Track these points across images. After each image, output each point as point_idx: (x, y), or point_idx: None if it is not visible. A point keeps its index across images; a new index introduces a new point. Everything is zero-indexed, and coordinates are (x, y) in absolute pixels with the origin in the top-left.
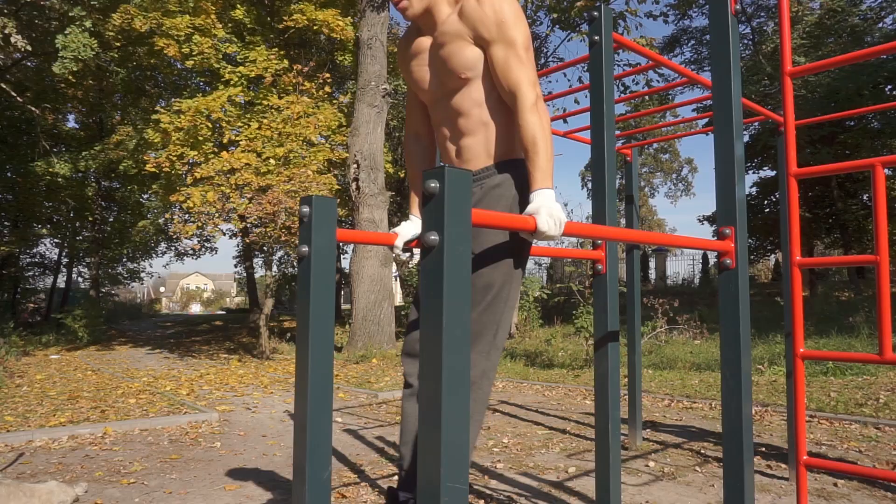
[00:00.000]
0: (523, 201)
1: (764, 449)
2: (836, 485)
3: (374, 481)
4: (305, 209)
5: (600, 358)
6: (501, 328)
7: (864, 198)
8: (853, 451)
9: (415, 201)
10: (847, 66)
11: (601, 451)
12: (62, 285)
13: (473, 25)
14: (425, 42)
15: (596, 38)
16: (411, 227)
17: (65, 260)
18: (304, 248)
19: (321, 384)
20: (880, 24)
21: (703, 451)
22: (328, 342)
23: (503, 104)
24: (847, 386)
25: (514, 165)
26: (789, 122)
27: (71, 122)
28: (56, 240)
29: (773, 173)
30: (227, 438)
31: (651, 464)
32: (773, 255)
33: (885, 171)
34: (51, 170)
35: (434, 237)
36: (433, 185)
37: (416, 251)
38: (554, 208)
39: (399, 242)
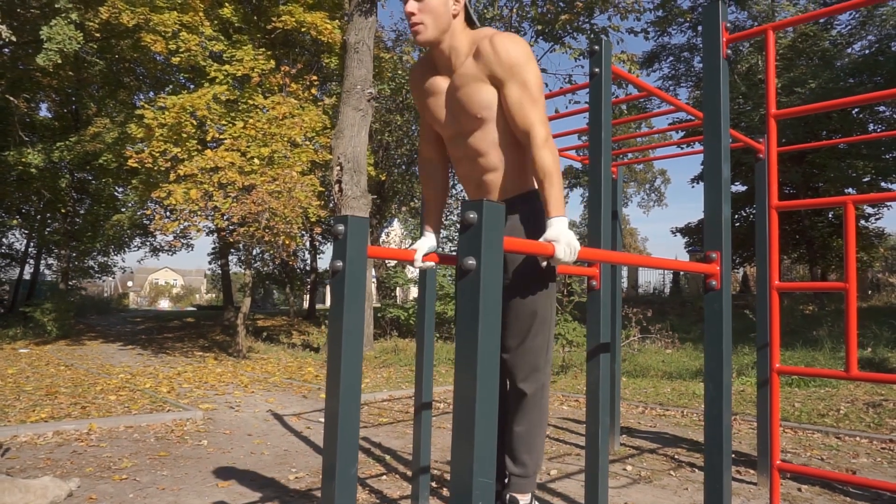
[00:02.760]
0: (532, 233)
1: (734, 456)
2: (800, 490)
3: (363, 480)
4: (340, 227)
5: (592, 367)
6: (550, 345)
7: (830, 215)
8: (815, 458)
9: (429, 219)
10: (818, 90)
11: (591, 454)
12: (27, 277)
13: (489, 67)
14: (442, 82)
15: (596, 69)
16: (426, 242)
17: (32, 251)
18: (339, 263)
19: (351, 387)
20: (849, 50)
21: (676, 457)
22: (358, 349)
23: (515, 144)
24: (810, 397)
25: (525, 200)
26: (772, 159)
27: (43, 111)
28: (24, 230)
29: (743, 188)
30: (214, 437)
31: (629, 467)
32: (741, 269)
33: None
34: (23, 160)
35: (472, 261)
36: (472, 215)
37: (430, 263)
38: (571, 238)
39: (418, 257)
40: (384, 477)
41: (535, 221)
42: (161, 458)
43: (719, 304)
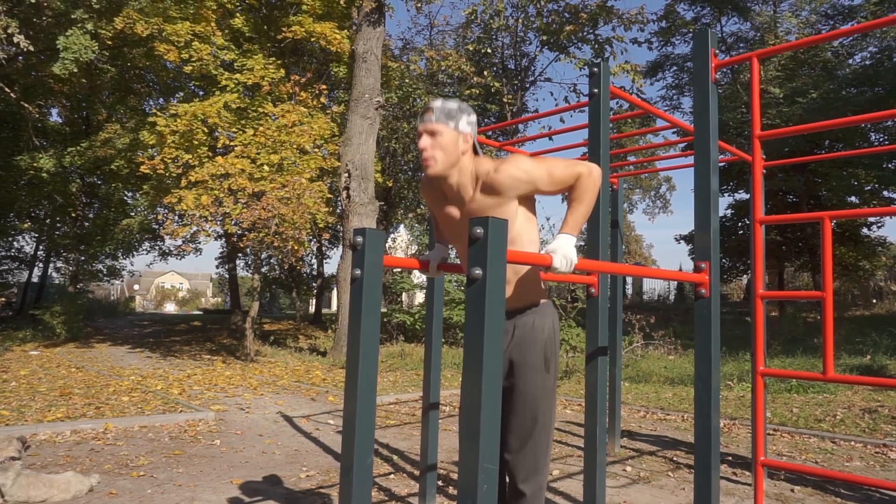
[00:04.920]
0: (535, 341)
1: (730, 458)
2: (792, 490)
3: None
4: (359, 239)
5: (591, 370)
6: (549, 448)
7: (833, 223)
8: (810, 461)
9: (440, 234)
10: (818, 101)
11: (589, 451)
12: (35, 280)
13: (509, 190)
14: (454, 212)
15: (595, 90)
16: (437, 253)
17: (41, 255)
18: (357, 271)
19: (368, 385)
20: (850, 61)
21: (675, 459)
22: (374, 349)
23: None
24: (808, 403)
25: (542, 312)
26: (757, 177)
27: (54, 117)
28: (34, 234)
29: (747, 196)
30: (226, 437)
31: (628, 468)
32: (745, 276)
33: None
34: (35, 164)
35: (478, 271)
36: (479, 231)
37: (441, 272)
38: (569, 251)
39: (432, 266)
40: (392, 476)
41: (537, 330)
42: (176, 457)
43: (708, 310)
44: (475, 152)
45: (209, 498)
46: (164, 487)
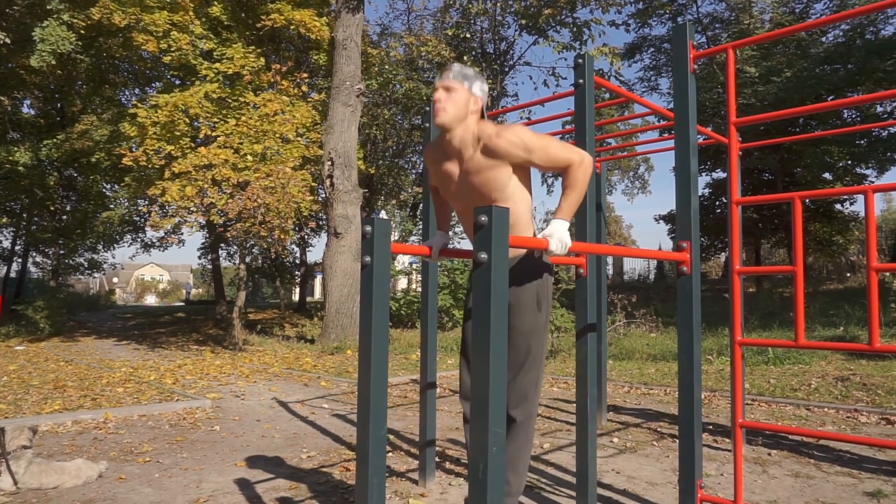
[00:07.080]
0: (527, 282)
1: (711, 427)
2: (770, 454)
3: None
4: (368, 228)
5: (581, 345)
6: (540, 379)
7: (806, 201)
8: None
9: (440, 221)
10: (792, 80)
11: (580, 420)
12: (13, 275)
13: (505, 155)
14: (452, 168)
15: (580, 81)
16: (439, 240)
17: (19, 249)
18: (367, 258)
19: (380, 364)
20: (823, 39)
21: (659, 430)
22: (385, 331)
23: (521, 212)
24: (784, 374)
25: (522, 259)
26: (733, 161)
27: (25, 109)
28: (11, 229)
29: (724, 175)
30: (224, 423)
31: (615, 440)
32: (723, 254)
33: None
34: (11, 158)
35: (484, 255)
36: (483, 219)
37: (442, 258)
38: (563, 235)
39: (434, 252)
40: (390, 454)
41: (529, 275)
42: (179, 443)
43: (689, 286)
44: (481, 118)
45: (216, 480)
46: (170, 471)
